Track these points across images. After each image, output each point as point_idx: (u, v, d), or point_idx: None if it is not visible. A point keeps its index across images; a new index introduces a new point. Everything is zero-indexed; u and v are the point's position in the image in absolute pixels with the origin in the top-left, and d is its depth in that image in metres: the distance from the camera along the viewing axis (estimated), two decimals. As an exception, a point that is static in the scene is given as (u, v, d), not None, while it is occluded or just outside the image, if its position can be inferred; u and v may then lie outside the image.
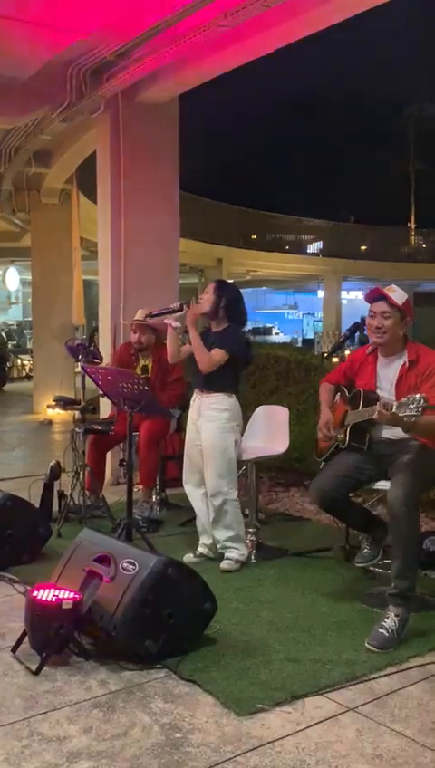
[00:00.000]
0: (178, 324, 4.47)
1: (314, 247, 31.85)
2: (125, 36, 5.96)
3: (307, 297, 39.24)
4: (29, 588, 3.39)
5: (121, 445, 5.94)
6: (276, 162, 39.81)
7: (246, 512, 4.72)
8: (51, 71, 6.66)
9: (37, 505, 4.95)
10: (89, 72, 6.64)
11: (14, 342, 22.10)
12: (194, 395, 4.53)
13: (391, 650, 3.21)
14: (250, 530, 4.64)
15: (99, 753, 2.47)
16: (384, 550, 3.88)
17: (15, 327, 25.04)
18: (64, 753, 2.46)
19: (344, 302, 32.03)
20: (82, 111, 6.97)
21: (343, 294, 32.30)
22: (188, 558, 4.39)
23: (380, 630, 3.26)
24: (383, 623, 3.29)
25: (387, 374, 3.78)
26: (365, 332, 4.00)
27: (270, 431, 4.84)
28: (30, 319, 16.54)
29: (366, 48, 38.88)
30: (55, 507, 5.26)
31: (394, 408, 3.28)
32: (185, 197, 9.26)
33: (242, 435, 4.55)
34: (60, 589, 3.19)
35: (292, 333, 34.76)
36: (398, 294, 3.71)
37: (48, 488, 5.24)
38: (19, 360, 19.32)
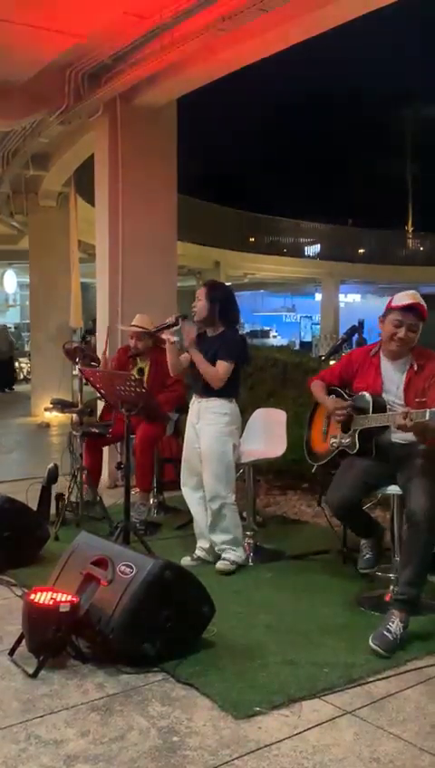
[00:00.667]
0: (176, 339, 4.47)
1: (311, 250, 31.88)
2: (123, 40, 5.98)
3: (305, 300, 39.28)
4: (26, 591, 3.39)
5: (119, 447, 5.94)
6: (274, 165, 39.86)
7: (244, 514, 4.72)
8: (49, 74, 6.68)
9: (35, 508, 4.95)
10: (87, 75, 6.66)
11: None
12: (193, 398, 4.53)
13: (393, 652, 3.19)
14: (247, 533, 4.64)
15: (96, 756, 2.46)
16: (383, 553, 3.89)
17: (13, 329, 25.02)
18: (61, 757, 2.46)
19: (342, 305, 32.08)
20: (80, 114, 6.99)
21: (341, 297, 32.36)
22: (186, 561, 4.39)
23: (385, 633, 3.23)
24: (389, 627, 3.25)
25: (393, 377, 3.73)
26: (363, 335, 3.98)
27: (268, 434, 4.84)
28: (28, 321, 16.55)
29: (365, 51, 38.93)
30: (53, 510, 5.27)
31: (427, 416, 3.22)
32: (183, 200, 9.27)
33: (240, 437, 4.55)
34: (57, 592, 3.18)
35: (289, 336, 34.74)
36: (425, 305, 3.67)
37: (45, 491, 5.24)
38: (17, 363, 19.33)
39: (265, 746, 2.52)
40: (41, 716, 2.71)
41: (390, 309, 3.71)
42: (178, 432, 5.45)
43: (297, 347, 28.28)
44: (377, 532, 3.97)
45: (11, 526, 4.31)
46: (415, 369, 3.66)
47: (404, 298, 3.69)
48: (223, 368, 4.30)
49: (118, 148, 6.87)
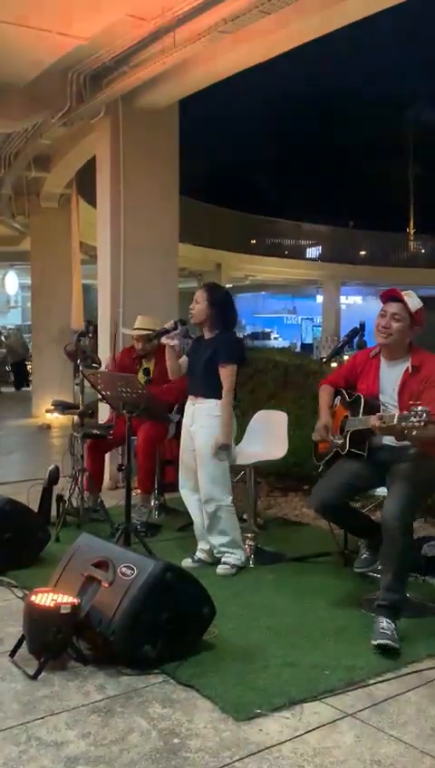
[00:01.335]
0: (175, 342, 4.48)
1: (313, 252, 31.87)
2: (125, 42, 5.99)
3: (306, 302, 39.28)
4: (27, 592, 3.39)
5: (120, 449, 5.94)
6: (276, 167, 39.91)
7: (244, 516, 4.72)
8: (51, 76, 6.69)
9: (36, 510, 4.95)
10: (89, 77, 6.67)
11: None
12: (188, 401, 4.53)
13: (400, 647, 3.21)
14: (248, 535, 4.64)
15: (97, 758, 2.46)
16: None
17: (15, 331, 25.03)
18: (62, 759, 2.46)
19: (343, 306, 32.06)
20: (81, 116, 7.00)
21: (342, 299, 32.34)
22: (187, 563, 4.39)
23: (381, 631, 3.26)
24: (381, 627, 3.28)
25: (390, 379, 3.75)
26: (364, 337, 4.00)
27: (269, 436, 4.84)
28: (29, 323, 16.59)
29: (367, 52, 39.03)
30: (54, 511, 5.27)
31: (395, 420, 3.27)
32: (184, 202, 9.28)
33: (238, 440, 4.55)
34: (58, 593, 3.18)
35: (291, 338, 34.76)
36: (413, 301, 3.69)
37: (47, 492, 5.24)
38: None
39: (266, 748, 2.52)
40: (41, 718, 2.71)
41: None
42: (179, 434, 5.45)
43: (298, 349, 28.28)
44: (375, 532, 3.97)
45: (12, 528, 4.31)
46: (410, 371, 3.67)
47: (386, 290, 3.80)
48: (228, 372, 4.30)
49: (119, 149, 6.87)
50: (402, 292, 3.74)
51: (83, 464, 5.36)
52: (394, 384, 3.72)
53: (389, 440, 3.67)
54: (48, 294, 12.04)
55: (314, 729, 2.64)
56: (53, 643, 3.06)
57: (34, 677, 2.99)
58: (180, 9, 5.29)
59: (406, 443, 3.55)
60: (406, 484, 3.45)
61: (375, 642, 3.22)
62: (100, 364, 5.68)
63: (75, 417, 5.73)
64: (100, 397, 4.80)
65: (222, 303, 4.44)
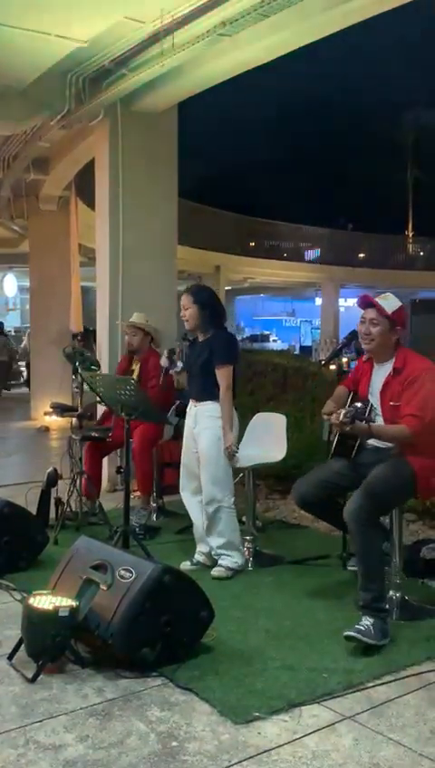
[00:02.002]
0: (177, 368, 4.63)
1: (311, 255, 31.89)
2: (124, 44, 5.99)
3: (305, 304, 39.30)
4: (26, 595, 3.39)
5: (118, 452, 5.94)
6: (275, 169, 39.94)
7: (243, 519, 4.72)
8: (50, 78, 6.69)
9: (34, 512, 4.94)
10: (88, 79, 6.67)
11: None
12: (190, 403, 4.53)
13: (368, 643, 3.22)
14: (247, 537, 4.63)
15: (95, 761, 2.46)
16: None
17: (13, 333, 25.05)
18: (60, 762, 2.45)
19: (342, 309, 32.06)
20: (80, 119, 7.00)
21: (341, 302, 32.35)
22: (185, 565, 4.38)
23: (357, 626, 3.28)
24: (360, 623, 3.30)
25: (377, 381, 3.80)
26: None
27: (268, 438, 4.84)
28: (28, 325, 16.59)
29: (366, 55, 39.11)
30: (52, 514, 5.26)
31: (341, 416, 3.38)
32: (183, 204, 9.27)
33: (239, 442, 4.55)
34: (56, 596, 3.18)
35: (289, 341, 34.80)
36: (389, 303, 3.71)
37: (45, 495, 5.23)
38: (17, 366, 19.38)
39: (265, 752, 2.51)
40: (40, 721, 2.71)
41: None
42: (178, 436, 5.44)
43: (297, 351, 28.30)
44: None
45: (10, 530, 4.31)
46: (392, 373, 3.70)
47: (360, 297, 3.85)
48: (224, 373, 4.31)
49: (118, 152, 6.88)
50: (378, 296, 3.78)
51: (82, 466, 5.36)
52: (379, 386, 3.76)
53: (374, 441, 3.70)
54: (47, 297, 12.04)
55: (312, 732, 2.64)
56: (51, 646, 3.05)
57: (33, 680, 2.99)
58: (179, 12, 5.30)
59: (387, 444, 3.63)
60: (371, 485, 3.49)
61: (344, 633, 3.25)
62: (99, 366, 5.67)
63: (74, 420, 5.73)
64: (98, 399, 4.80)
65: (210, 303, 4.47)
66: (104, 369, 6.28)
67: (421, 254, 35.27)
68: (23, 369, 18.24)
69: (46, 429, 10.80)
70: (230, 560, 4.35)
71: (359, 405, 3.58)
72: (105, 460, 6.02)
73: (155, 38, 5.69)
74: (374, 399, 3.76)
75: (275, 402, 6.83)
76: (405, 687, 2.98)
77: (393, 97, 39.15)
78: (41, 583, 3.52)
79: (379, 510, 3.54)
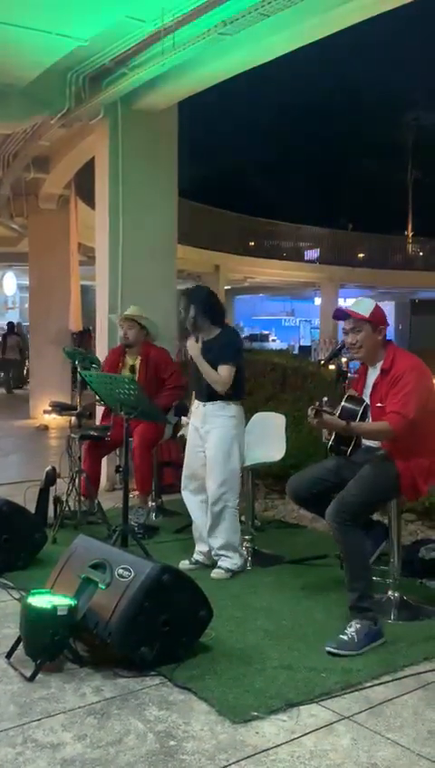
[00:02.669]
0: (187, 421, 4.68)
1: (311, 254, 31.89)
2: (125, 43, 5.99)
3: (304, 304, 39.32)
4: (24, 594, 3.39)
5: (118, 451, 5.94)
6: (275, 169, 39.92)
7: (243, 518, 4.71)
8: (50, 76, 6.68)
9: (32, 511, 4.94)
10: (88, 78, 6.67)
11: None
12: (195, 402, 4.52)
13: (349, 655, 3.20)
14: (246, 537, 4.63)
15: (93, 760, 2.46)
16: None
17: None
18: (58, 761, 2.45)
19: (341, 309, 31.99)
20: (80, 117, 7.00)
21: (341, 302, 32.32)
22: (184, 565, 4.38)
23: (340, 636, 3.28)
24: (345, 631, 3.30)
25: (368, 382, 3.82)
26: None
27: (267, 438, 4.84)
28: (27, 324, 16.58)
29: (366, 55, 39.10)
30: (51, 513, 5.26)
31: (310, 411, 3.48)
32: (183, 204, 9.28)
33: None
34: (55, 595, 3.18)
35: (289, 340, 34.79)
36: (364, 306, 3.71)
37: (44, 494, 5.23)
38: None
39: (263, 751, 2.51)
40: (38, 720, 2.71)
41: None
42: (177, 435, 5.45)
43: (296, 351, 28.30)
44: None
45: (9, 529, 4.31)
46: (379, 373, 3.70)
47: (334, 311, 3.89)
48: (225, 371, 4.32)
49: (118, 151, 6.88)
50: (349, 304, 3.81)
51: (81, 465, 5.36)
52: (370, 388, 3.77)
53: (365, 442, 3.72)
54: (46, 295, 12.03)
55: (310, 732, 2.64)
56: (49, 645, 3.05)
57: (31, 679, 2.99)
58: (180, 11, 5.29)
59: (375, 444, 3.66)
60: (355, 485, 3.50)
61: (325, 648, 3.25)
62: (99, 365, 5.66)
63: (73, 419, 5.73)
64: (97, 398, 4.80)
65: (209, 302, 4.46)
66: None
67: (421, 254, 35.29)
68: None
69: (45, 428, 10.80)
70: (230, 561, 4.34)
71: (346, 404, 3.65)
72: (104, 459, 6.01)
73: (155, 37, 5.68)
74: (368, 401, 3.76)
75: (274, 402, 6.83)
76: (403, 687, 2.98)
77: (394, 97, 39.16)
78: (39, 582, 3.52)
79: (361, 510, 3.53)
